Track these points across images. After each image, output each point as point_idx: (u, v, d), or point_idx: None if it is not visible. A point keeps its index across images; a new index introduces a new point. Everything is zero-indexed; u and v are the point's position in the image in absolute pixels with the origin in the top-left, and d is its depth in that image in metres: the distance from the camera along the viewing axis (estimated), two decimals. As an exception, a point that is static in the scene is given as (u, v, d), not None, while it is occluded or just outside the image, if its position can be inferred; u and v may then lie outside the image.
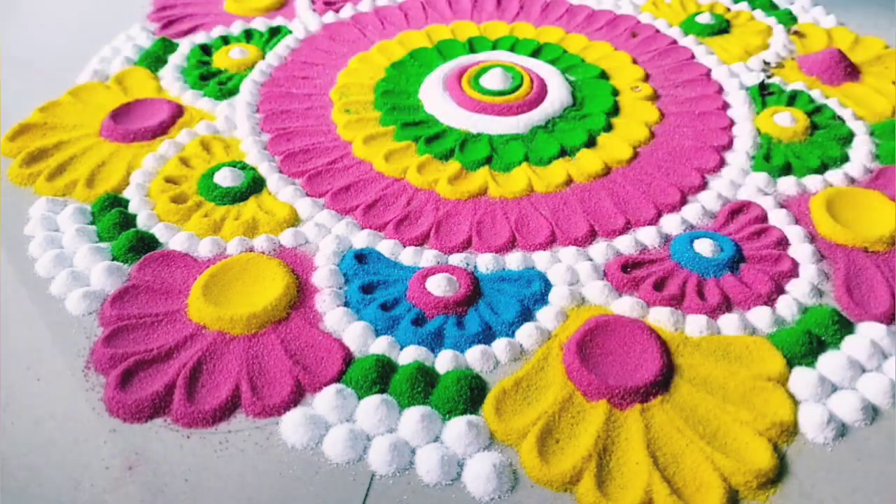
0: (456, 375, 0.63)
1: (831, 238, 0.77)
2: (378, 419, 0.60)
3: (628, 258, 0.75)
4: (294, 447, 0.59)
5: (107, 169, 0.87)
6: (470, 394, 0.62)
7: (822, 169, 0.88)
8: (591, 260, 0.75)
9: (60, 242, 0.77)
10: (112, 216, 0.78)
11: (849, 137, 0.92)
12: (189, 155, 0.88)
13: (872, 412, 0.62)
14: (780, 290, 0.72)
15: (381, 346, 0.66)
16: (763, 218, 0.80)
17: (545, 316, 0.69)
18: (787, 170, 0.88)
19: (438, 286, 0.70)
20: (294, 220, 0.80)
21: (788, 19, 1.17)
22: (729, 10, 1.21)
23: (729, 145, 0.92)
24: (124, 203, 0.82)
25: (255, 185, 0.84)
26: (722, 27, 1.15)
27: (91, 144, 0.90)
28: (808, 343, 0.66)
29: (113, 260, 0.75)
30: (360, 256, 0.75)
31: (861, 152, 0.90)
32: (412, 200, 0.83)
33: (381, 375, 0.63)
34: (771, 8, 1.21)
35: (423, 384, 0.62)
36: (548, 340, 0.67)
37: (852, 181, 0.86)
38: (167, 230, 0.78)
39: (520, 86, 0.98)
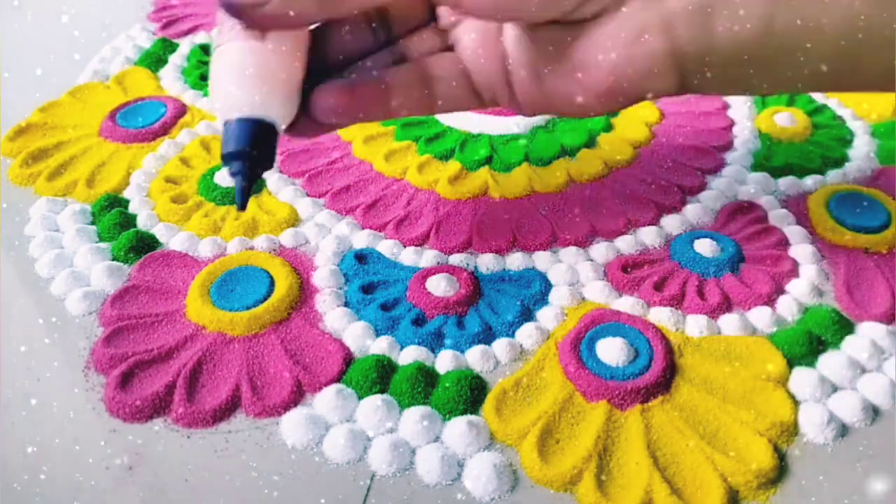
0: (456, 375, 0.63)
1: (831, 238, 0.77)
2: (378, 419, 0.60)
3: (629, 258, 0.75)
4: (294, 447, 0.59)
5: (107, 169, 0.87)
6: (470, 394, 0.62)
7: (822, 169, 0.88)
8: (591, 260, 0.75)
9: (61, 242, 0.77)
10: (112, 216, 0.79)
11: (849, 138, 0.92)
12: (189, 155, 0.88)
13: (873, 412, 0.62)
14: (781, 291, 0.72)
15: (381, 346, 0.66)
16: (763, 218, 0.80)
17: (545, 316, 0.69)
18: (787, 170, 0.88)
19: (438, 286, 0.70)
20: (294, 220, 0.80)
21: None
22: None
23: (729, 145, 0.92)
24: (124, 203, 0.82)
25: (256, 185, 0.84)
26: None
27: (91, 144, 0.90)
28: (808, 343, 0.66)
29: (113, 260, 0.75)
30: (361, 257, 0.75)
31: (861, 152, 0.90)
32: (412, 200, 0.83)
33: (381, 376, 0.63)
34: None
35: (423, 384, 0.62)
36: (547, 340, 0.67)
37: (853, 181, 0.86)
38: (167, 230, 0.78)
39: (520, 86, 0.97)
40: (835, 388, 0.63)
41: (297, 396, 0.63)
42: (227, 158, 0.49)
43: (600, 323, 0.67)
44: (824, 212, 0.79)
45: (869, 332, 0.68)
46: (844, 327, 0.68)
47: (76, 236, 0.76)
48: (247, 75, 0.46)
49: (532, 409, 0.61)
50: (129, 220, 0.79)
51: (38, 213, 0.80)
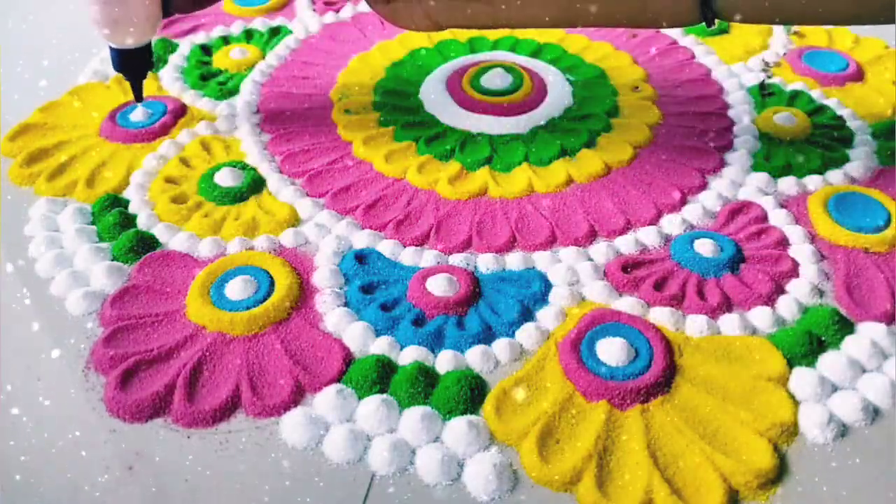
0: (456, 376, 0.63)
1: (830, 238, 0.77)
2: (378, 419, 0.60)
3: (629, 258, 0.75)
4: (294, 447, 0.59)
5: (107, 169, 0.87)
6: (470, 394, 0.62)
7: (822, 169, 0.88)
8: (591, 260, 0.75)
9: (61, 243, 0.77)
10: (112, 216, 0.79)
11: (849, 137, 0.92)
12: (189, 155, 0.88)
13: (873, 412, 0.62)
14: (781, 290, 0.72)
15: (381, 346, 0.66)
16: (763, 218, 0.80)
17: (545, 316, 0.69)
18: (786, 170, 0.88)
19: (438, 286, 0.70)
20: (294, 221, 0.80)
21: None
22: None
23: (729, 146, 0.92)
24: (124, 203, 0.82)
25: (256, 185, 0.84)
26: (722, 27, 1.15)
27: (91, 144, 0.90)
28: (808, 343, 0.66)
29: (113, 260, 0.75)
30: (361, 257, 0.75)
31: (861, 152, 0.90)
32: (412, 200, 0.83)
33: (381, 376, 0.63)
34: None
35: (423, 384, 0.62)
36: (547, 340, 0.67)
37: (853, 181, 0.86)
38: (167, 230, 0.78)
39: (520, 86, 0.98)
40: (835, 388, 0.63)
41: (297, 396, 0.62)
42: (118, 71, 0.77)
43: (600, 323, 0.67)
44: (824, 212, 0.79)
45: (869, 332, 0.68)
46: (844, 327, 0.68)
47: (76, 236, 0.76)
48: (114, 20, 0.69)
49: (532, 409, 0.61)
50: (129, 220, 0.79)
51: (38, 213, 0.80)
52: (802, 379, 0.63)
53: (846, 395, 0.62)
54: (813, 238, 0.78)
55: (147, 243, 0.76)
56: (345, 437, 0.59)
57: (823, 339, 0.67)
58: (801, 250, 0.76)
